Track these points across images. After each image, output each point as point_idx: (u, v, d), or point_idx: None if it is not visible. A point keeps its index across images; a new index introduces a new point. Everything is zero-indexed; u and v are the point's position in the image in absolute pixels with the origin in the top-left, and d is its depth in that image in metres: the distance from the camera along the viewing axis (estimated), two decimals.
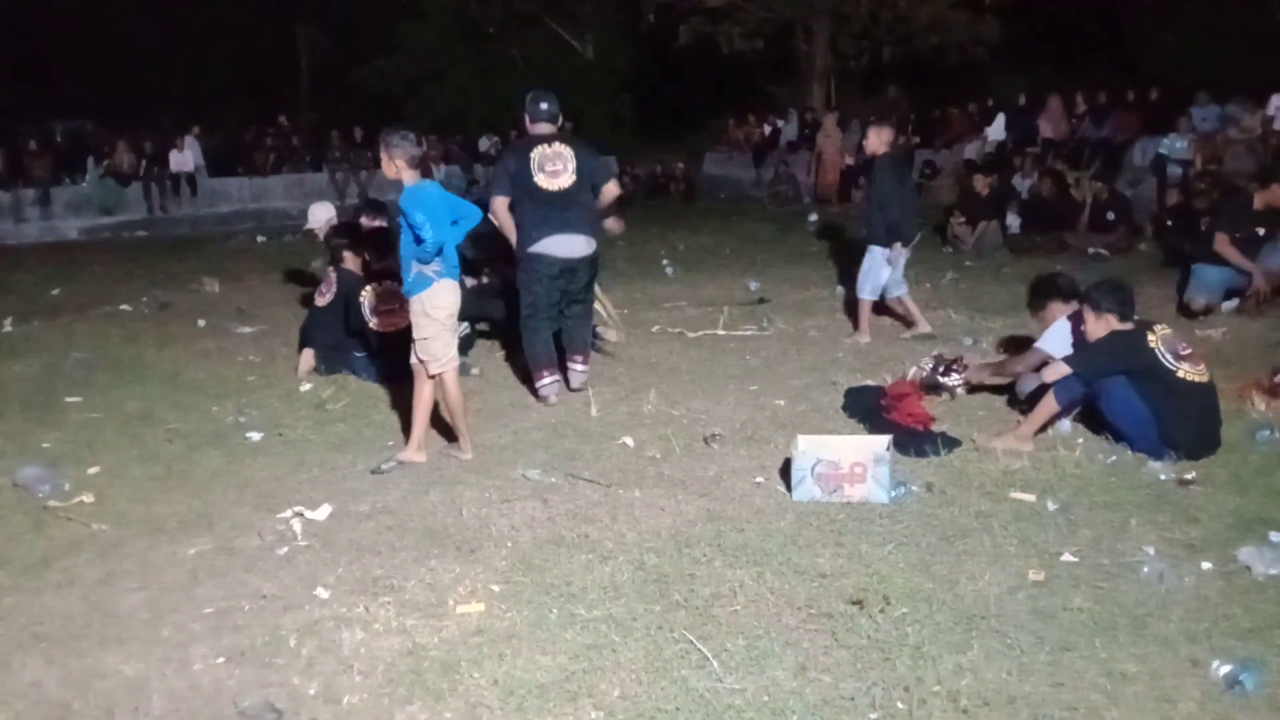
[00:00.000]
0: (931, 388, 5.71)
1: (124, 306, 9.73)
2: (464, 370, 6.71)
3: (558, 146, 6.06)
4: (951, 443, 4.98)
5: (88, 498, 4.73)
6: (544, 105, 6.15)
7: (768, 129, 21.58)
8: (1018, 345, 6.53)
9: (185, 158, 19.13)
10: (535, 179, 5.96)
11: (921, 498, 4.40)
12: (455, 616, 3.53)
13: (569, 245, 6.01)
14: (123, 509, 4.62)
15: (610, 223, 7.53)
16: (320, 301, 6.96)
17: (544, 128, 6.13)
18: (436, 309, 4.90)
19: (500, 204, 6.07)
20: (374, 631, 3.45)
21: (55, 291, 10.81)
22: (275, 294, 9.92)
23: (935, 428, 5.21)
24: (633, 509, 4.42)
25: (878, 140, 7.55)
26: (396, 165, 4.91)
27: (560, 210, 5.99)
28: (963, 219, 11.77)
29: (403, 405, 5.56)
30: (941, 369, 5.75)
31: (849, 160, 17.91)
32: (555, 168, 6.01)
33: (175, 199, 18.94)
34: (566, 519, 4.35)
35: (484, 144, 22.29)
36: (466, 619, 3.51)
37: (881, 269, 7.27)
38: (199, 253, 13.84)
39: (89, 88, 27.30)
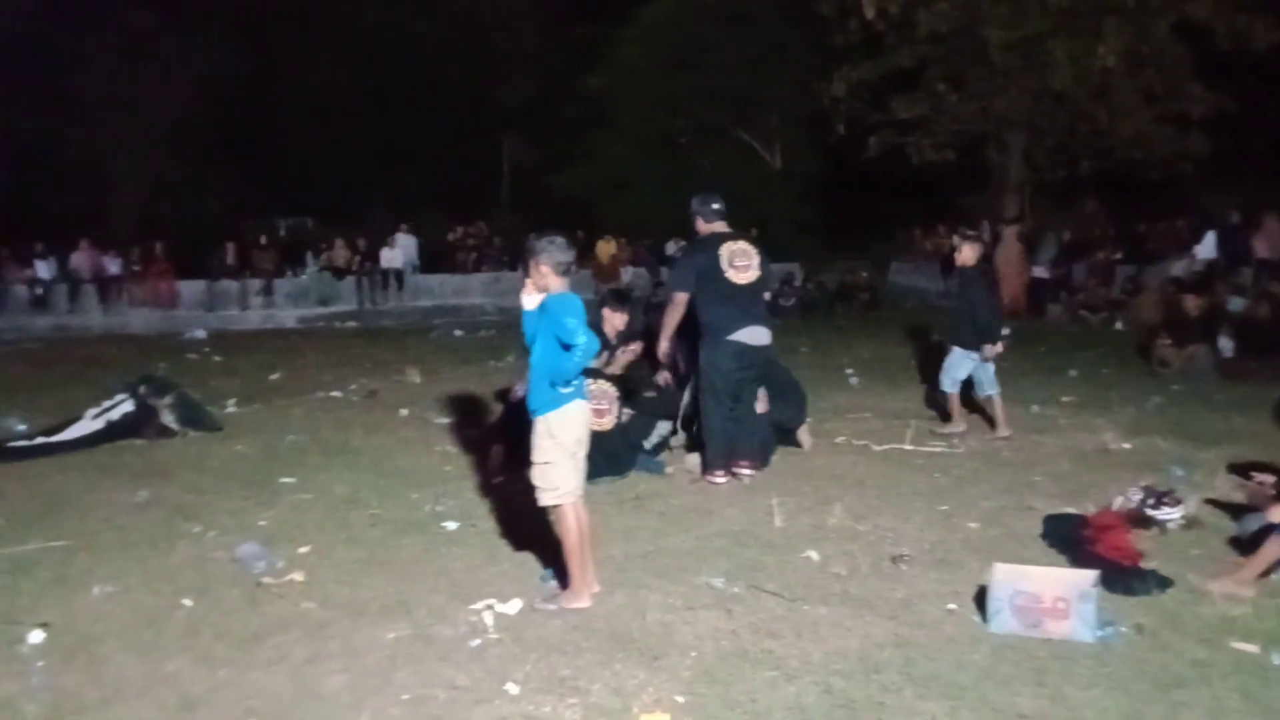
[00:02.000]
0: (1140, 521, 5.41)
1: (335, 393, 10.39)
2: (658, 469, 6.84)
3: (742, 244, 6.39)
4: (1164, 582, 4.69)
5: (298, 576, 5.02)
6: (715, 205, 6.63)
7: (957, 240, 21.24)
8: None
9: (395, 255, 20.45)
10: (726, 274, 6.26)
11: (1131, 640, 4.15)
12: None
13: (757, 335, 6.42)
14: (329, 590, 4.88)
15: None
16: (520, 393, 7.20)
17: (721, 225, 6.42)
18: (565, 432, 4.56)
19: (682, 299, 6.43)
20: None
21: (274, 376, 11.64)
22: (472, 387, 10.36)
23: (1145, 564, 4.91)
24: (818, 627, 4.35)
25: (970, 253, 8.45)
26: (542, 271, 4.56)
27: (748, 304, 6.25)
28: (1169, 341, 11.20)
29: (592, 504, 5.64)
30: (1152, 501, 5.45)
31: (1039, 273, 17.42)
32: (743, 263, 6.37)
33: (384, 293, 20.21)
34: (750, 632, 4.31)
35: (670, 248, 22.79)
36: None
37: (962, 365, 8.06)
38: (403, 344, 14.66)
39: (310, 188, 29.65)
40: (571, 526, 4.59)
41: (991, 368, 8.09)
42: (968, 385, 8.21)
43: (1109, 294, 16.69)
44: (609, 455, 6.42)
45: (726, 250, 6.41)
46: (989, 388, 8.08)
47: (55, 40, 25.74)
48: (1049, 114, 21.00)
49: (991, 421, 8.14)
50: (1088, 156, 21.40)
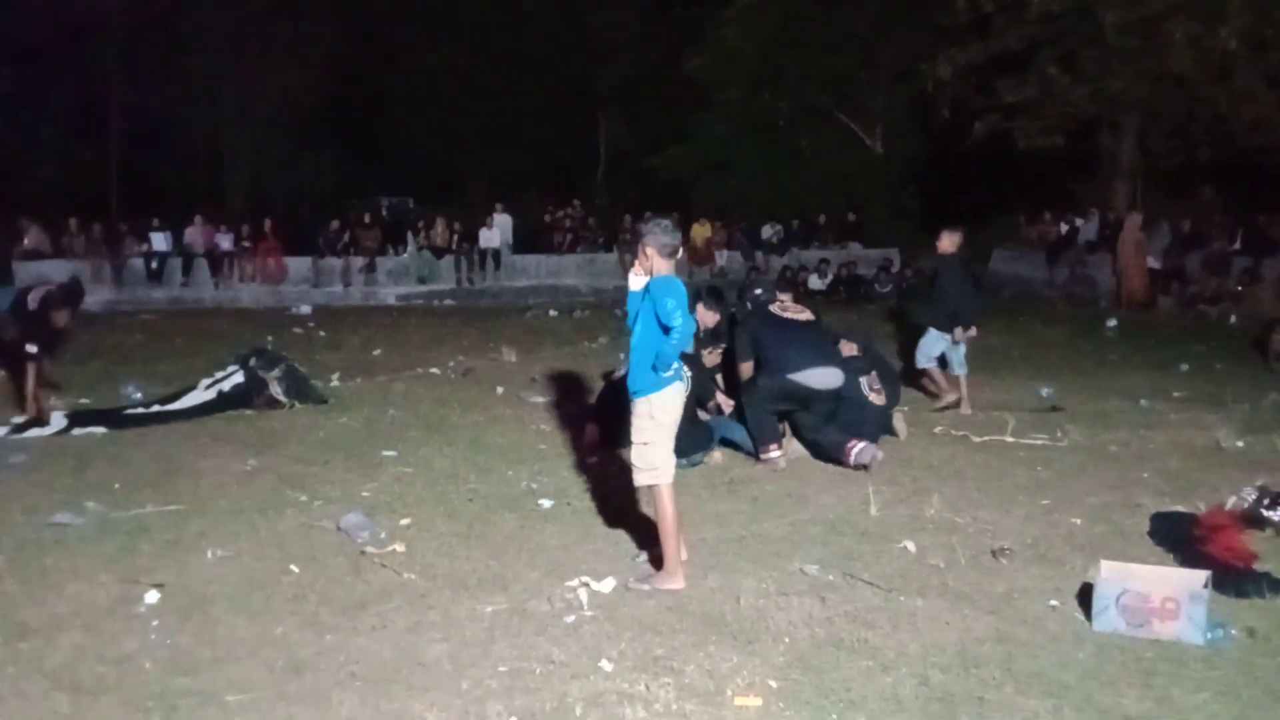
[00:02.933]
0: (1254, 521, 5.21)
1: (433, 370, 10.60)
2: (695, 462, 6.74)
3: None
4: (1277, 585, 4.51)
5: (400, 547, 5.14)
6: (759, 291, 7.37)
7: (1064, 227, 20.67)
8: None
9: (493, 235, 20.71)
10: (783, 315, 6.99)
11: (1242, 644, 4.00)
12: (733, 708, 3.55)
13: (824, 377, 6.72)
14: (430, 561, 4.99)
15: None
16: (622, 373, 7.23)
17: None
18: (665, 414, 4.62)
19: (746, 369, 6.95)
20: (655, 712, 3.52)
21: (376, 352, 11.93)
22: (566, 366, 10.46)
23: (1258, 566, 4.73)
24: (915, 619, 4.29)
25: (949, 242, 8.99)
26: (648, 253, 4.64)
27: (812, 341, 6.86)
28: None
29: (684, 487, 5.66)
30: (1267, 501, 5.24)
31: (1151, 263, 16.83)
32: (797, 306, 7.19)
33: (481, 272, 20.50)
34: (845, 621, 4.28)
35: (767, 231, 22.69)
36: (745, 712, 3.52)
37: (936, 344, 8.58)
38: (498, 323, 14.88)
39: (411, 168, 30.23)
40: (668, 507, 4.60)
41: (963, 349, 8.61)
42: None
43: (1224, 286, 16.03)
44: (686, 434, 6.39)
45: (777, 306, 7.16)
46: (958, 368, 8.62)
47: (174, 21, 26.68)
48: (1166, 98, 20.25)
49: (932, 395, 8.72)
50: (1206, 143, 20.57)
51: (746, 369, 6.97)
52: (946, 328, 8.55)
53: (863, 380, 7.10)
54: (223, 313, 17.39)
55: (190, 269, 19.68)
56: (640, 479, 4.70)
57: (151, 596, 4.53)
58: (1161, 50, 19.01)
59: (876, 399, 7.18)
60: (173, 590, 4.62)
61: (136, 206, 23.54)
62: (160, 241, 19.59)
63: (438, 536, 5.36)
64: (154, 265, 19.41)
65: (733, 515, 5.75)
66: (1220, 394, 8.94)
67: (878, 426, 7.12)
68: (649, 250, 4.66)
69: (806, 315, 7.14)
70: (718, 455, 6.87)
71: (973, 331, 8.71)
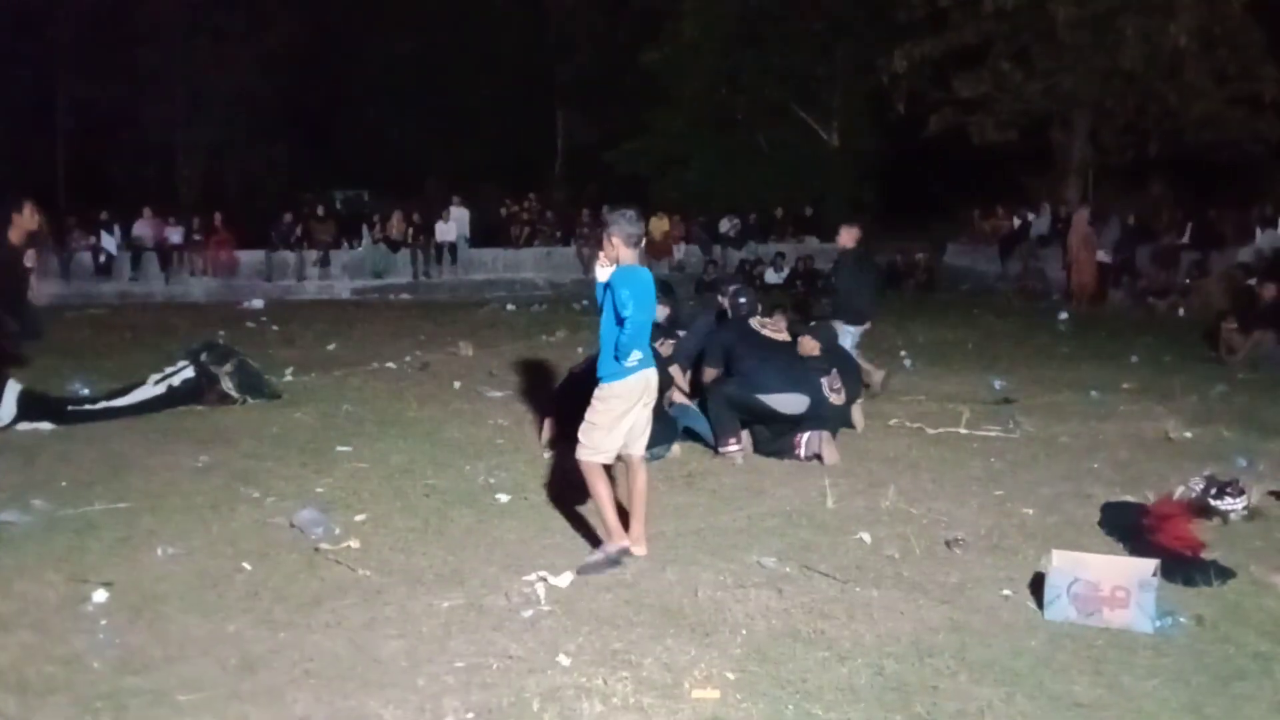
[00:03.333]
0: (1202, 510, 5.31)
1: (389, 364, 10.50)
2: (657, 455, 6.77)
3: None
4: (1225, 573, 4.59)
5: (355, 543, 5.09)
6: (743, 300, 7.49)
7: (1017, 221, 20.93)
8: None
9: (450, 228, 20.58)
10: (761, 331, 7.07)
11: (1191, 631, 4.08)
12: (691, 700, 3.55)
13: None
14: (385, 557, 4.95)
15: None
16: (580, 369, 7.24)
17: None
18: (619, 399, 4.77)
19: (711, 373, 7.04)
20: (612, 705, 3.51)
21: (331, 346, 11.81)
22: (523, 360, 10.42)
23: (1206, 555, 4.82)
24: (870, 609, 4.32)
25: (847, 237, 9.41)
26: (613, 242, 4.80)
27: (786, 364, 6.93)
28: (1234, 325, 10.94)
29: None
30: (1214, 490, 5.34)
31: (1101, 257, 17.09)
32: (776, 324, 7.28)
33: (437, 266, 20.37)
34: (802, 612, 4.30)
35: (724, 225, 22.74)
36: (702, 704, 3.52)
37: (844, 336, 8.65)
38: (455, 317, 14.79)
39: (367, 161, 29.94)
40: (596, 483, 4.84)
41: (851, 340, 8.91)
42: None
43: (1173, 279, 16.32)
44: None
45: (755, 321, 7.36)
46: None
47: (123, 11, 26.17)
48: (1118, 94, 20.56)
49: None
50: (1157, 138, 20.92)
51: (711, 373, 7.06)
52: (847, 319, 8.95)
53: (823, 381, 7.13)
54: (173, 307, 17.14)
55: (139, 263, 19.35)
56: (579, 453, 4.88)
57: (100, 595, 4.44)
58: (1112, 46, 19.29)
59: (835, 399, 7.20)
60: (122, 588, 4.53)
61: (86, 200, 23.08)
62: (108, 237, 19.26)
63: (394, 532, 5.32)
64: (102, 259, 19.07)
65: (691, 508, 5.76)
66: (1169, 386, 9.11)
67: (835, 425, 7.15)
68: (615, 240, 4.81)
69: (784, 336, 7.30)
70: (676, 449, 6.88)
71: (866, 324, 9.19)
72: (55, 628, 4.15)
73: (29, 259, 7.80)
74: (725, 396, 6.78)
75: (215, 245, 19.80)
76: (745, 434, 6.90)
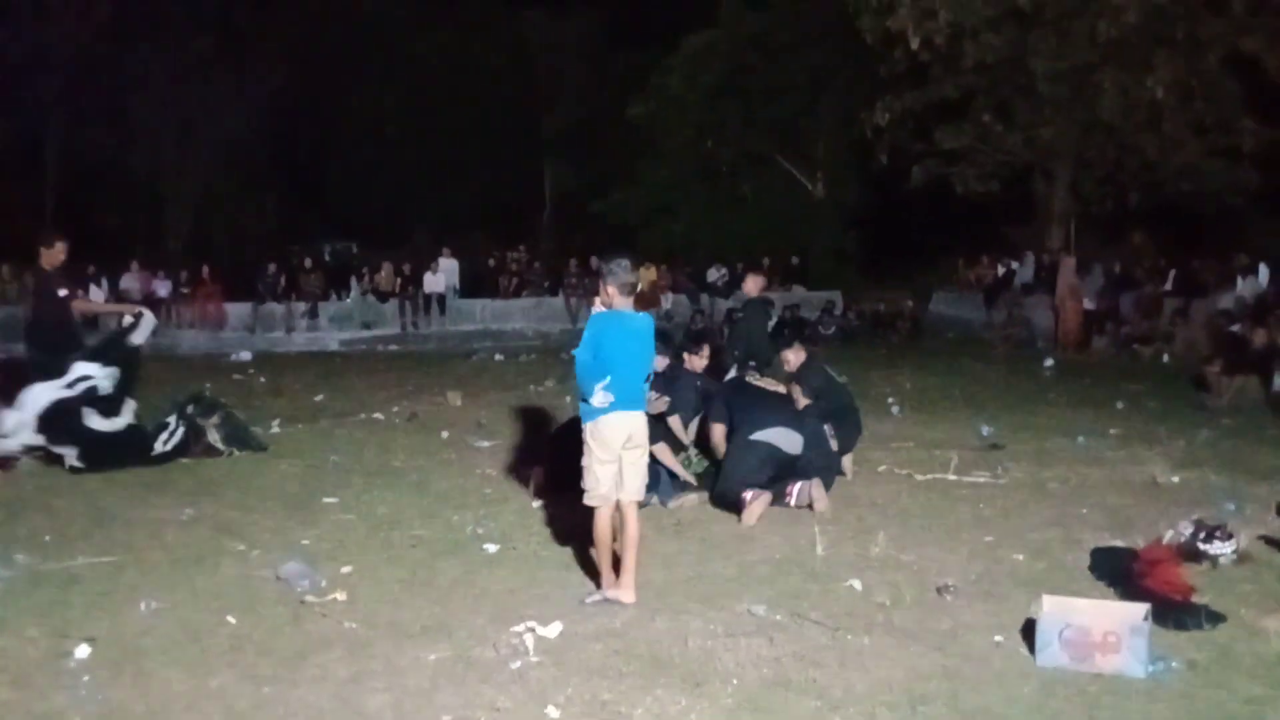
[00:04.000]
0: (1191, 555, 5.30)
1: (377, 415, 10.46)
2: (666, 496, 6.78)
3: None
4: (1216, 617, 4.58)
5: (341, 595, 5.04)
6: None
7: (1001, 270, 21.12)
8: None
9: (438, 279, 20.65)
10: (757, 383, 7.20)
11: (1183, 676, 4.06)
12: None
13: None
14: (372, 609, 4.90)
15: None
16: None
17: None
18: (596, 440, 4.94)
19: (718, 430, 7.01)
20: None
21: (318, 398, 11.77)
22: (512, 410, 10.40)
23: (1196, 599, 4.81)
24: (862, 657, 4.29)
25: (753, 284, 9.38)
26: (609, 291, 4.98)
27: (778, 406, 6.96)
28: (1218, 369, 11.03)
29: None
30: (1203, 535, 5.34)
31: (1088, 305, 17.23)
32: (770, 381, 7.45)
33: (426, 317, 20.41)
34: (793, 660, 4.27)
35: (712, 274, 22.87)
36: None
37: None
38: (443, 368, 14.77)
39: (355, 213, 30.10)
40: (596, 527, 5.02)
41: None
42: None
43: (1156, 326, 16.45)
44: None
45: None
46: None
47: (114, 62, 26.34)
48: (1097, 145, 20.88)
49: None
50: (1136, 189, 21.20)
51: (719, 430, 7.03)
52: (744, 366, 8.69)
53: (826, 427, 7.17)
54: (160, 360, 17.00)
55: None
56: (584, 498, 5.04)
57: (82, 650, 4.37)
58: (1091, 99, 19.60)
59: (833, 443, 7.22)
60: (105, 643, 4.47)
61: (73, 250, 22.99)
62: (95, 291, 19.22)
63: (380, 584, 5.27)
64: None
65: (680, 556, 5.73)
66: (1155, 431, 9.15)
67: (830, 473, 7.12)
68: (610, 289, 4.97)
69: (778, 389, 7.36)
70: (685, 500, 6.80)
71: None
72: (36, 683, 4.09)
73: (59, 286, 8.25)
74: (738, 454, 6.73)
75: (203, 298, 19.80)
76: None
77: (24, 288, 18.96)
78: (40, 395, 7.80)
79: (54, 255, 8.36)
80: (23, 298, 18.68)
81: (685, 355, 8.03)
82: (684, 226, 27.54)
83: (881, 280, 24.49)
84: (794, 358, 7.83)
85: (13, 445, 7.74)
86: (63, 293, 8.37)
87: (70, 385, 7.91)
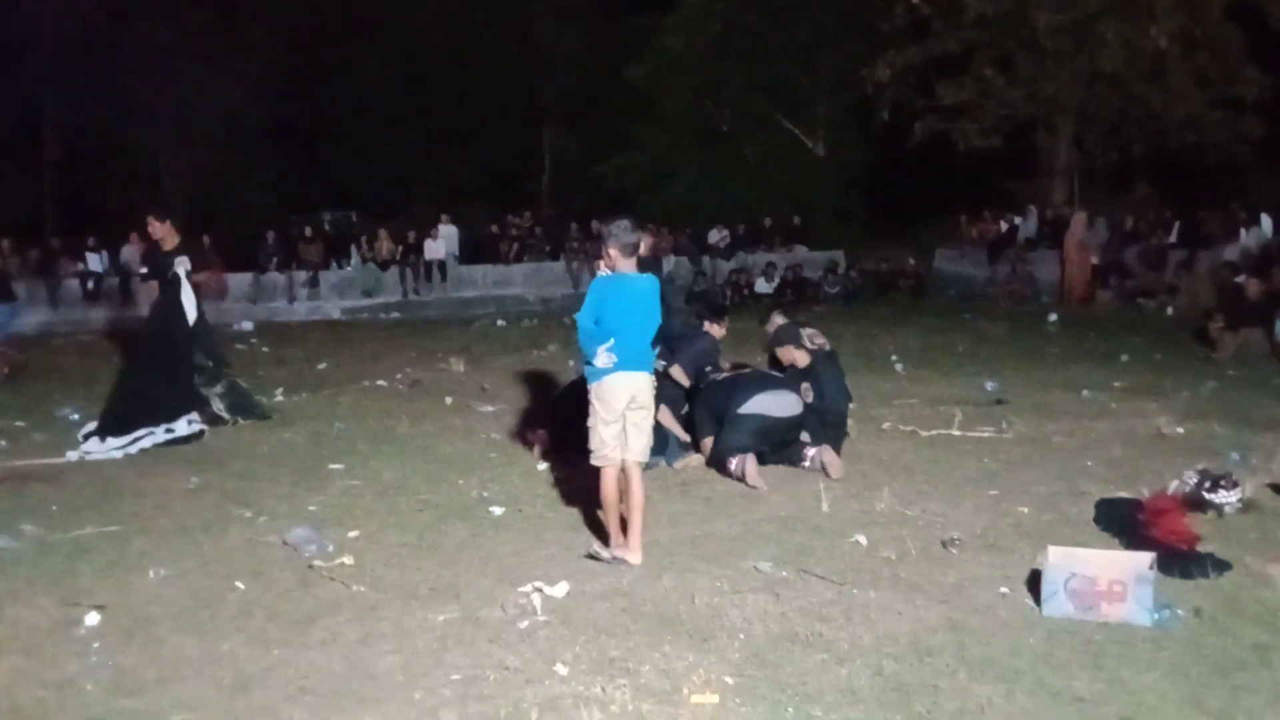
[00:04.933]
0: (1196, 504, 5.31)
1: (380, 382, 10.46)
2: (673, 458, 6.77)
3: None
4: (1221, 565, 4.60)
5: (348, 560, 5.06)
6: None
7: (1004, 226, 21.00)
8: None
9: (438, 246, 20.55)
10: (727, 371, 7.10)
11: (1189, 623, 4.07)
12: (690, 706, 3.53)
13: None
14: (380, 573, 4.92)
15: None
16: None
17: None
18: (600, 400, 4.96)
19: (707, 444, 6.84)
20: (611, 713, 3.49)
21: (321, 366, 11.78)
22: (514, 375, 10.39)
23: (1201, 548, 4.82)
24: (868, 610, 4.31)
25: (645, 246, 8.76)
26: (611, 253, 4.98)
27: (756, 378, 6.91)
28: (1222, 324, 10.99)
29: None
30: (1208, 484, 5.34)
31: (1094, 259, 17.15)
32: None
33: (427, 284, 20.34)
34: (800, 615, 4.28)
35: (713, 236, 22.76)
36: (701, 709, 3.50)
37: None
38: (445, 334, 14.76)
39: (355, 182, 29.92)
40: (603, 486, 5.03)
41: None
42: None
43: (1161, 279, 16.38)
44: None
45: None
46: None
47: (111, 37, 26.14)
48: (1100, 98, 20.71)
49: None
50: (1139, 141, 21.06)
51: (708, 444, 6.78)
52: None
53: (804, 386, 7.05)
54: None
55: (127, 288, 19.25)
56: (591, 459, 5.05)
57: (92, 618, 4.40)
58: (1094, 51, 19.43)
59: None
60: (114, 611, 4.49)
61: (72, 227, 22.99)
62: (95, 262, 19.19)
63: (387, 548, 5.29)
64: (90, 285, 19.00)
65: (686, 516, 5.74)
66: (1160, 383, 9.14)
67: (839, 431, 7.05)
68: (612, 251, 4.96)
69: (749, 368, 7.40)
70: (678, 464, 6.77)
71: None
72: (47, 651, 4.11)
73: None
74: (730, 437, 6.63)
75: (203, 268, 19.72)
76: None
77: (23, 263, 18.95)
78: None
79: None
80: (23, 272, 18.68)
81: (707, 323, 7.92)
82: (685, 189, 27.33)
83: (884, 239, 24.33)
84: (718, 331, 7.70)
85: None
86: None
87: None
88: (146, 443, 7.65)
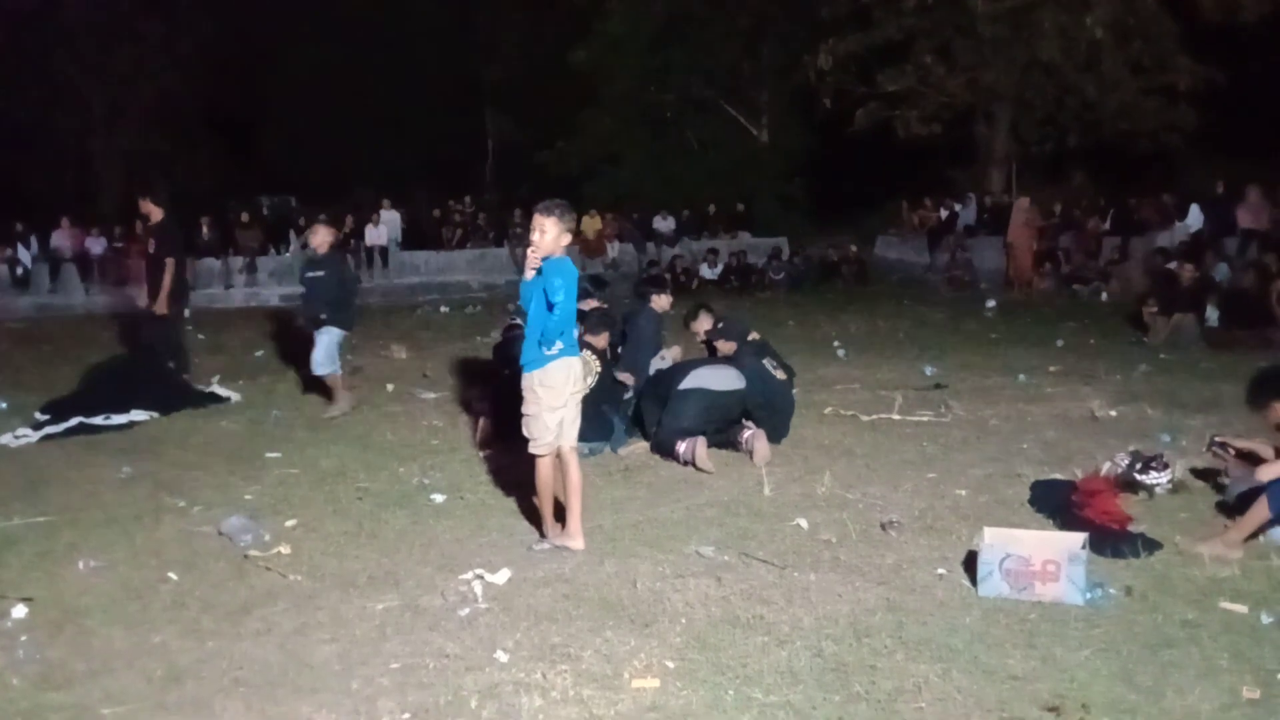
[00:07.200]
0: (1128, 485, 5.41)
1: None
2: (620, 443, 6.77)
3: None
4: (1152, 545, 4.69)
5: (285, 549, 4.98)
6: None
7: (944, 213, 21.27)
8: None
9: (380, 232, 20.31)
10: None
11: (1120, 602, 4.15)
12: (631, 690, 3.53)
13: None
14: (317, 562, 4.85)
15: None
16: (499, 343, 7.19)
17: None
18: (546, 387, 4.79)
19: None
20: (551, 699, 3.48)
21: (259, 353, 11.58)
22: (457, 362, 10.29)
23: (1133, 528, 4.92)
24: (808, 593, 4.34)
25: (325, 236, 8.98)
26: (549, 227, 4.73)
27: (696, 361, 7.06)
28: (1154, 308, 11.23)
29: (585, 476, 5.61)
30: (1139, 465, 5.45)
31: (1035, 245, 17.40)
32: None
33: (368, 270, 20.08)
34: (741, 599, 4.30)
35: (659, 223, 22.77)
36: (642, 694, 3.50)
37: (332, 339, 8.16)
38: (388, 321, 14.57)
39: (293, 166, 29.40)
40: (540, 476, 4.93)
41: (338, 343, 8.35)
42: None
43: (1096, 265, 16.70)
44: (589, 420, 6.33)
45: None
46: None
47: (40, 18, 25.34)
48: (1037, 86, 21.05)
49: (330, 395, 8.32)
50: (1075, 129, 21.43)
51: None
52: (342, 324, 8.32)
53: (765, 361, 7.12)
54: (94, 319, 16.63)
55: (58, 274, 18.79)
56: (530, 447, 4.92)
57: (19, 611, 4.29)
58: (1031, 39, 19.72)
59: (780, 374, 7.16)
60: (42, 603, 4.38)
61: (1, 212, 22.35)
62: (24, 249, 18.68)
63: (325, 537, 5.21)
64: (19, 272, 18.50)
65: (629, 501, 5.74)
66: (1094, 367, 9.31)
67: (785, 416, 7.08)
68: (554, 224, 4.77)
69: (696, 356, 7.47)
70: (623, 451, 6.76)
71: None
72: None
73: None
74: (671, 402, 6.67)
75: (137, 254, 19.27)
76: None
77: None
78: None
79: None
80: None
81: (653, 296, 7.99)
82: (629, 175, 27.28)
83: (827, 225, 24.53)
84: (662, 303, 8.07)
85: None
86: None
87: None
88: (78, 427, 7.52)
